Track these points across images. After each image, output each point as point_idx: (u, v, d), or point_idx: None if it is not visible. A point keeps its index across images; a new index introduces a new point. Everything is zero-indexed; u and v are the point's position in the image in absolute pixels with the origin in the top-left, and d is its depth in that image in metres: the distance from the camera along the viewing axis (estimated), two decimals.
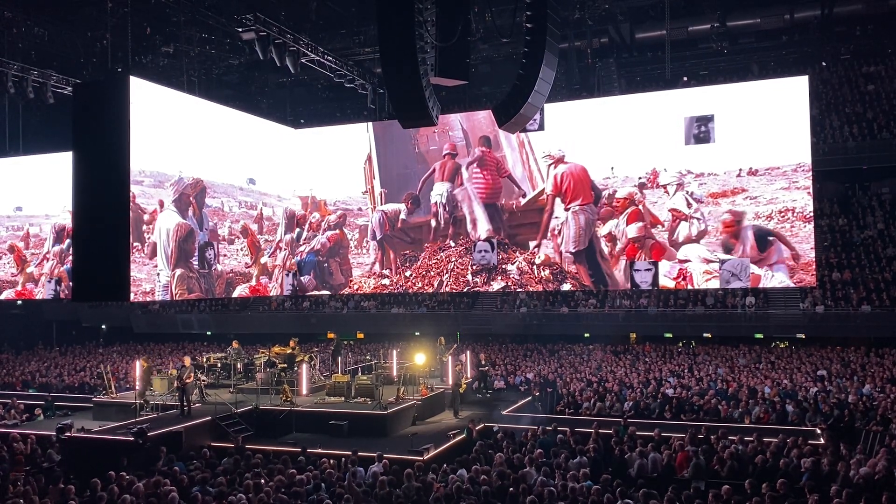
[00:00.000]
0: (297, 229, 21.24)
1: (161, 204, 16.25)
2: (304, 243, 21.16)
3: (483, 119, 19.29)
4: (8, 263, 22.95)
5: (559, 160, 18.30)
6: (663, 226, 17.42)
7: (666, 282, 17.36)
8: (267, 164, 19.98)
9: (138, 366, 17.65)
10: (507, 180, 19.05)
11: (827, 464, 11.24)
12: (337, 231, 20.92)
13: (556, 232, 18.26)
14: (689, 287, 17.55)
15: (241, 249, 19.13)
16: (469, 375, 20.27)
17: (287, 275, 20.91)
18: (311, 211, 21.14)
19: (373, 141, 20.43)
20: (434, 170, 19.63)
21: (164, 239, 16.23)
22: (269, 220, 20.37)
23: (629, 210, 17.68)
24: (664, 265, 17.26)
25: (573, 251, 18.01)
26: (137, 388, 17.28)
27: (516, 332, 29.40)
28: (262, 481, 10.31)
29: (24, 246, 22.55)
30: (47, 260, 22.39)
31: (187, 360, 17.34)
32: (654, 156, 17.57)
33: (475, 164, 19.21)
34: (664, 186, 17.47)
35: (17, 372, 26.26)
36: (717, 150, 17.14)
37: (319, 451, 13.60)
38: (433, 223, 19.59)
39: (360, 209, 20.81)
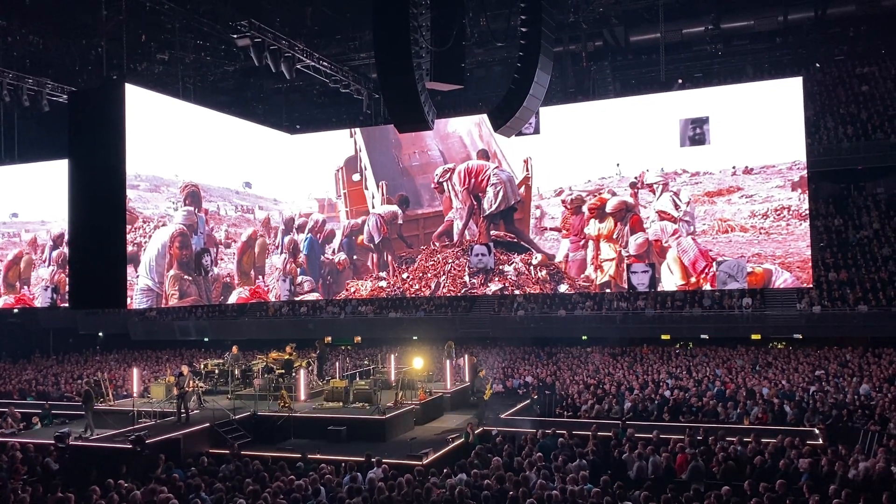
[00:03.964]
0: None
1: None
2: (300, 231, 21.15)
3: (456, 142, 19.39)
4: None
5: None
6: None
7: (675, 277, 17.21)
8: (263, 170, 19.95)
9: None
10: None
11: (826, 464, 11.26)
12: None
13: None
14: (708, 287, 17.38)
15: (237, 253, 19.08)
16: (469, 381, 20.22)
17: (284, 280, 20.87)
18: (329, 213, 21.03)
19: (363, 146, 20.46)
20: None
21: (153, 244, 16.11)
22: (268, 223, 20.37)
23: (629, 216, 17.65)
24: (689, 252, 17.02)
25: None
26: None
27: (514, 336, 29.39)
28: (261, 487, 10.29)
29: (31, 252, 22.46)
30: (46, 266, 22.29)
31: (185, 369, 17.31)
32: (650, 159, 17.57)
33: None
34: (649, 186, 17.46)
35: (14, 380, 26.15)
36: (712, 152, 17.16)
37: (318, 456, 13.58)
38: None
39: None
